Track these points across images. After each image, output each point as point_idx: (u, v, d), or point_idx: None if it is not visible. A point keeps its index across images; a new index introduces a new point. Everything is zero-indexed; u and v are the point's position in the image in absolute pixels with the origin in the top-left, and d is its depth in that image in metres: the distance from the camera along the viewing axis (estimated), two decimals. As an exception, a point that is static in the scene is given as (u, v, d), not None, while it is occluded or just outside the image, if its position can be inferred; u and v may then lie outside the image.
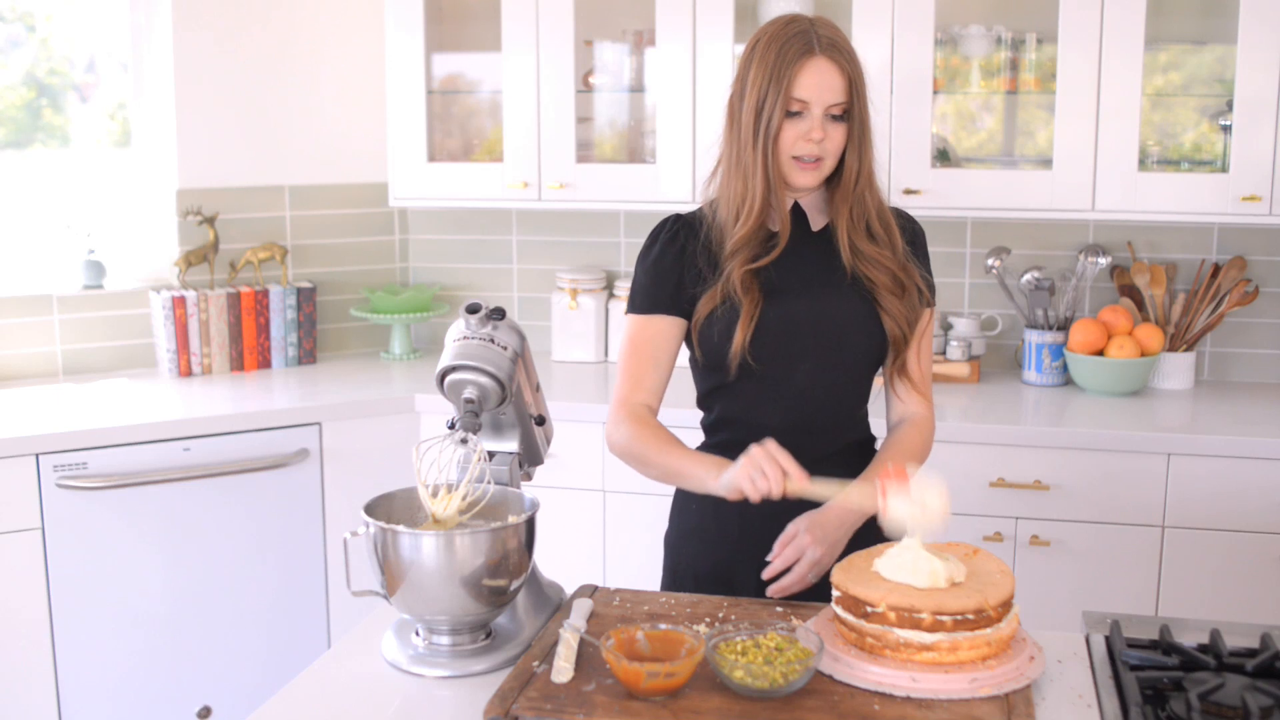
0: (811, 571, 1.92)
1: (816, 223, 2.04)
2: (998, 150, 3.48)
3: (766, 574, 1.94)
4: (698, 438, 2.12)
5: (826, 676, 1.62)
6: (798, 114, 1.92)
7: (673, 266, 2.03)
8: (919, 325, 2.05)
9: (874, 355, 2.04)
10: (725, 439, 2.05)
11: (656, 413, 2.06)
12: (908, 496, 1.69)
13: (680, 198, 3.35)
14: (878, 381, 2.11)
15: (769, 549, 1.98)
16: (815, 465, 1.94)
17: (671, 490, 2.16)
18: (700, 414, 2.13)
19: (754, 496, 1.78)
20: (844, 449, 2.06)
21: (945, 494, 1.69)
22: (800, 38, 1.91)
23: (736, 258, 1.97)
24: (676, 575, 2.14)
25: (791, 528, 1.94)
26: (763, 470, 1.77)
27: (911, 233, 2.08)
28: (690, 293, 2.02)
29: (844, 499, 1.81)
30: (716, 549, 2.07)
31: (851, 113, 1.94)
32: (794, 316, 1.98)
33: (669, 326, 2.03)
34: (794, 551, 1.92)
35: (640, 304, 2.05)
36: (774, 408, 2.01)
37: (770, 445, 1.80)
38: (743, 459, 1.80)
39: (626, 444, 2.01)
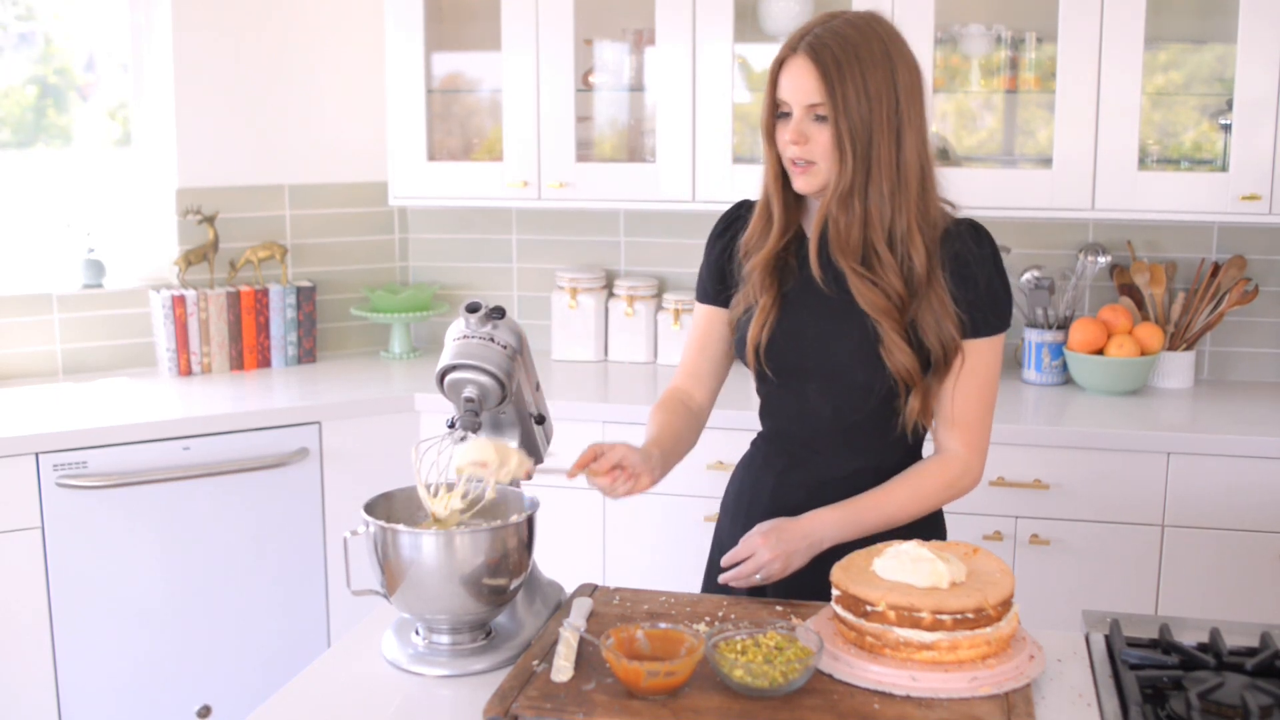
0: (759, 573, 1.89)
1: None
2: (997, 149, 3.48)
3: (723, 562, 1.94)
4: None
5: (826, 675, 1.62)
6: (787, 115, 1.88)
7: (719, 259, 2.05)
8: (954, 362, 1.88)
9: (880, 387, 1.90)
10: (766, 432, 2.09)
11: (701, 402, 2.08)
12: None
13: (680, 197, 3.35)
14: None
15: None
16: (826, 486, 1.97)
17: (670, 489, 2.18)
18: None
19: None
20: (854, 474, 1.97)
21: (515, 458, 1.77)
22: (796, 35, 1.87)
23: (749, 257, 1.97)
24: (710, 572, 2.15)
25: (756, 527, 1.93)
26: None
27: (955, 258, 1.88)
28: (733, 289, 2.02)
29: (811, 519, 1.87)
30: (716, 545, 2.12)
31: (829, 116, 1.82)
32: (802, 333, 1.94)
33: (716, 317, 2.06)
34: (745, 549, 1.91)
35: (697, 291, 2.11)
36: (791, 419, 2.02)
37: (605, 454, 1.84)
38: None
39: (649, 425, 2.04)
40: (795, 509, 1.96)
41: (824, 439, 1.98)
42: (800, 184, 1.89)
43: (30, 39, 3.55)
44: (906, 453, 2.00)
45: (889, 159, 1.83)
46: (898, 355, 1.86)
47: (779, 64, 1.87)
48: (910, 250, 1.85)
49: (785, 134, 1.87)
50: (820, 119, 1.84)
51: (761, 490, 2.04)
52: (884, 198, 1.84)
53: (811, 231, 1.93)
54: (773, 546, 1.88)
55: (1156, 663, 1.70)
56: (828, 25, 1.85)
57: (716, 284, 2.05)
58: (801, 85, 1.84)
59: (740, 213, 2.05)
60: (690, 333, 2.12)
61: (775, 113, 1.89)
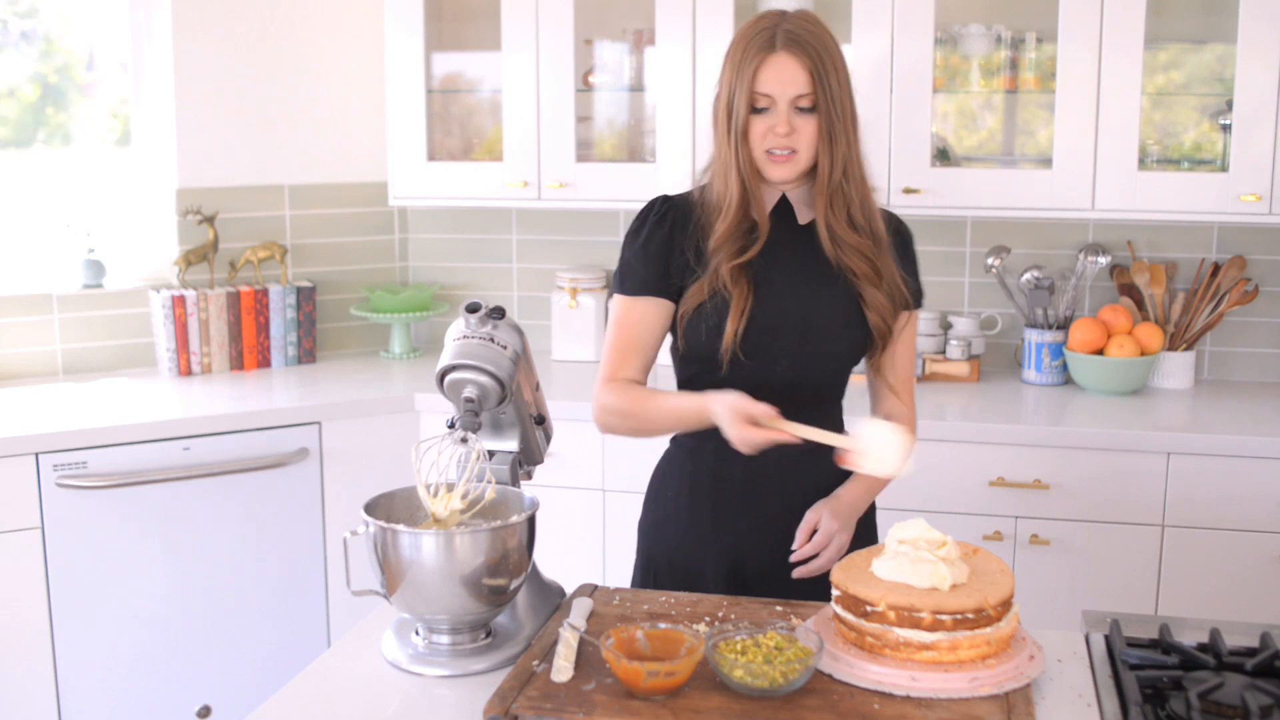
0: (838, 555, 1.99)
1: (803, 216, 2.06)
2: (997, 149, 3.47)
3: (795, 558, 2.00)
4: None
5: (826, 676, 1.62)
6: (764, 110, 1.95)
7: (660, 250, 2.05)
8: (899, 324, 2.07)
9: (854, 349, 2.07)
10: (704, 430, 2.07)
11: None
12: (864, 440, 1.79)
13: (680, 197, 3.35)
14: (857, 380, 2.14)
15: (742, 537, 2.05)
16: (790, 458, 2.00)
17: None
18: None
19: (748, 450, 1.85)
20: (826, 453, 2.03)
21: (901, 436, 1.77)
22: (763, 34, 1.95)
23: (722, 252, 2.00)
24: (652, 563, 2.15)
25: (812, 515, 2.01)
26: (747, 436, 1.83)
27: (897, 234, 2.09)
28: (677, 280, 2.04)
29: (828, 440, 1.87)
30: (689, 538, 2.10)
31: (819, 105, 1.94)
32: (780, 311, 2.00)
33: (655, 309, 2.05)
34: (824, 537, 1.99)
35: (628, 286, 2.07)
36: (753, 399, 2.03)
37: (731, 400, 1.85)
38: (721, 422, 1.87)
39: (616, 404, 2.03)
40: (769, 486, 2.04)
41: (789, 412, 2.00)
42: (781, 173, 1.99)
43: (31, 37, 3.54)
44: (840, 418, 2.15)
45: (855, 143, 2.01)
46: (881, 311, 2.03)
47: (757, 62, 1.94)
48: (873, 223, 2.04)
49: (766, 127, 1.95)
50: (803, 110, 1.95)
51: (730, 479, 2.06)
52: (854, 178, 2.01)
53: (819, 214, 2.01)
54: (845, 527, 2.01)
55: (1156, 663, 1.70)
56: (793, 21, 1.96)
57: (656, 278, 2.04)
58: (790, 78, 1.93)
59: (668, 208, 2.07)
60: (619, 327, 2.07)
61: (749, 108, 1.96)
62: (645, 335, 2.06)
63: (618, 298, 2.09)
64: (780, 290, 2.01)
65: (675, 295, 2.05)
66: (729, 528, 2.06)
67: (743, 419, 1.83)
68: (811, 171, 2.02)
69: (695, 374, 2.07)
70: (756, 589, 2.03)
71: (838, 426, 2.13)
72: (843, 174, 1.99)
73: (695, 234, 2.04)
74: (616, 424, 2.06)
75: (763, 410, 1.83)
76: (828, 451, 2.10)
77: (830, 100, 1.94)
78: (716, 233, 2.00)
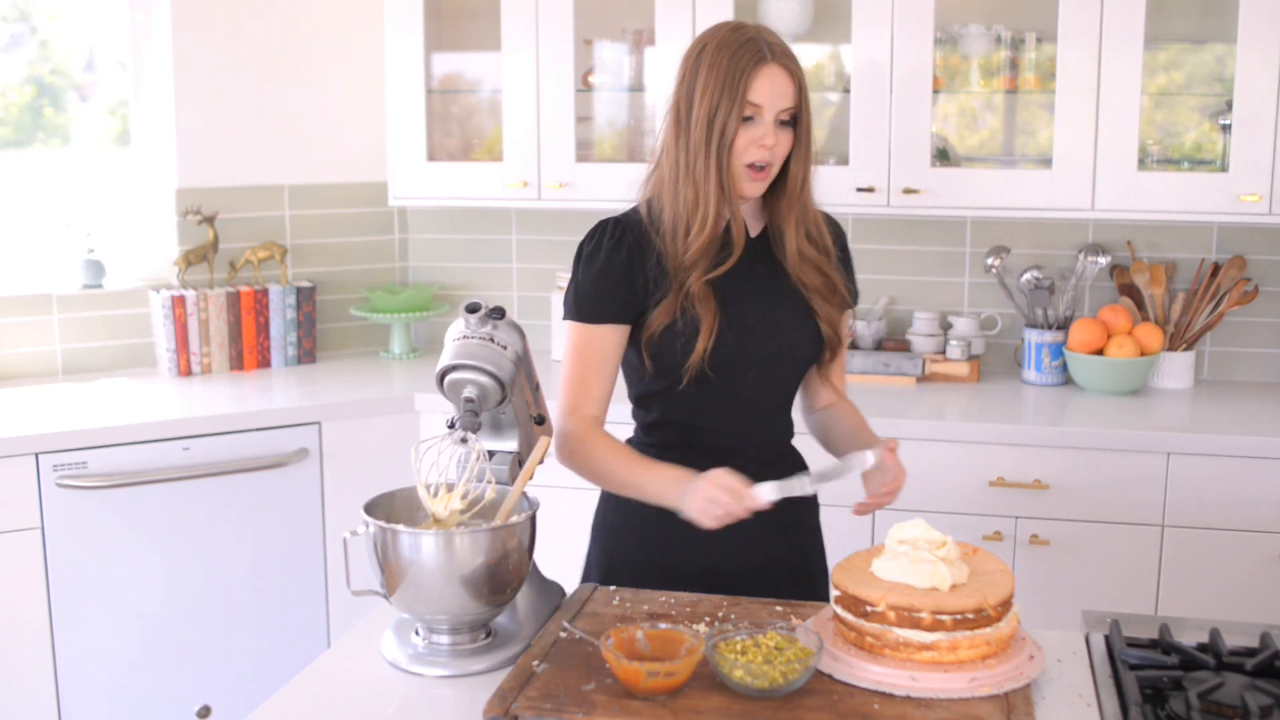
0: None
1: (753, 228, 2.05)
2: (998, 149, 3.48)
3: (878, 492, 1.93)
4: (628, 432, 2.13)
5: (826, 676, 1.62)
6: (750, 120, 1.92)
7: (622, 275, 1.99)
8: (844, 327, 2.10)
9: (811, 359, 2.09)
10: (665, 439, 2.06)
11: (603, 423, 2.03)
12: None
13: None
14: None
15: (716, 547, 1.95)
16: (758, 471, 1.92)
17: None
18: (632, 409, 2.12)
19: (713, 526, 1.80)
20: (780, 454, 2.09)
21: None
22: (751, 45, 1.91)
23: (694, 269, 1.95)
24: (612, 566, 2.08)
25: (882, 450, 1.90)
26: (717, 501, 1.79)
27: (837, 236, 2.11)
28: (639, 302, 1.98)
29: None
30: (659, 546, 2.04)
31: (799, 119, 1.95)
32: (747, 326, 1.99)
33: (617, 335, 2.00)
34: (899, 471, 1.91)
35: (587, 312, 2.00)
36: (717, 415, 2.03)
37: (718, 475, 1.81)
38: (692, 494, 1.81)
39: (580, 457, 1.98)
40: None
41: (754, 425, 2.05)
42: (757, 188, 1.98)
43: (23, 38, 3.54)
44: (790, 422, 2.14)
45: (812, 153, 2.02)
46: (831, 322, 2.05)
47: (750, 72, 1.90)
48: (823, 236, 2.06)
49: (752, 139, 1.92)
50: (784, 124, 1.95)
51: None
52: (809, 192, 2.03)
53: (788, 229, 2.02)
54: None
55: (1156, 663, 1.70)
56: (769, 33, 1.95)
57: (619, 304, 1.98)
58: (783, 90, 1.92)
59: (623, 230, 2.01)
60: (580, 355, 2.00)
61: (740, 119, 1.91)
62: (607, 363, 2.01)
63: (576, 325, 2.01)
64: (744, 304, 2.00)
65: (636, 319, 2.00)
66: (701, 534, 1.90)
67: (729, 492, 1.79)
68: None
69: (660, 390, 2.03)
70: (731, 587, 1.99)
71: (787, 430, 2.12)
72: (805, 187, 2.01)
73: (654, 254, 1.98)
74: (576, 472, 2.01)
75: (745, 490, 1.80)
76: (788, 455, 2.10)
77: (808, 114, 1.97)
78: (691, 248, 1.95)
